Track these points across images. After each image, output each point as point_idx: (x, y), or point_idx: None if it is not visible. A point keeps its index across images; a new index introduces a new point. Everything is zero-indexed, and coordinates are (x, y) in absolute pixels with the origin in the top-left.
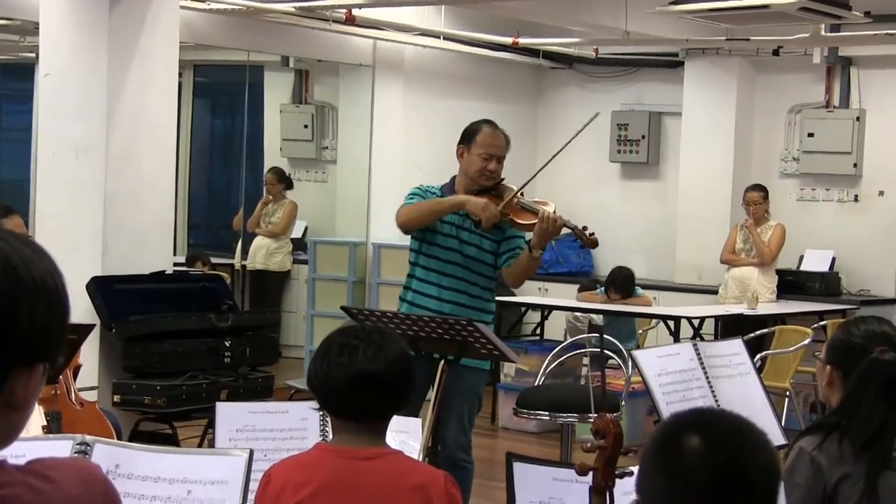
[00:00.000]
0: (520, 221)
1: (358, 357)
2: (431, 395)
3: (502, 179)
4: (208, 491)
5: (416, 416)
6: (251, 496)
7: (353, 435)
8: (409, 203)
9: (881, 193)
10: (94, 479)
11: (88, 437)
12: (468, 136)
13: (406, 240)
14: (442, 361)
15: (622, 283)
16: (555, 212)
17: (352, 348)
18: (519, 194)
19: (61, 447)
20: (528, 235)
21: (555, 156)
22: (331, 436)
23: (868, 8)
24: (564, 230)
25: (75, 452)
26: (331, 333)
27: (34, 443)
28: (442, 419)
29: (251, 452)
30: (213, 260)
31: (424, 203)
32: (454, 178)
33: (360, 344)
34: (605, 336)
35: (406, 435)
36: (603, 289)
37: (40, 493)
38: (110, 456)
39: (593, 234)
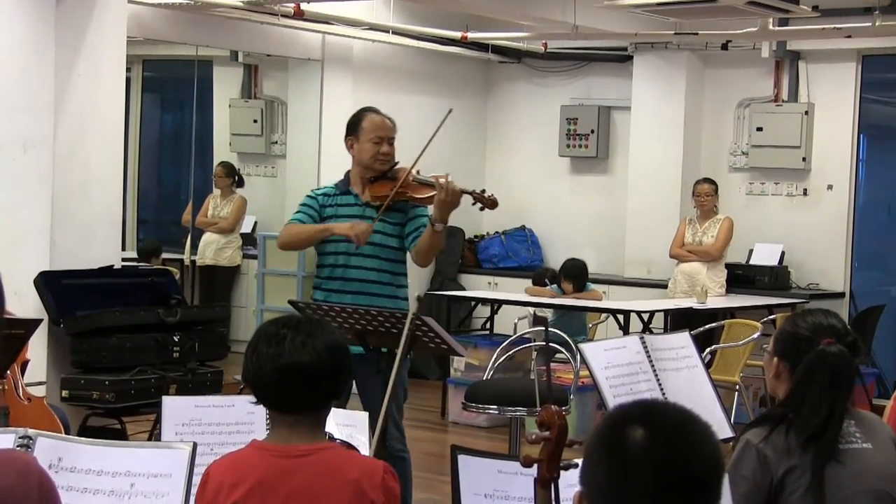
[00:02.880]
0: (419, 196)
1: (286, 347)
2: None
3: (397, 163)
4: (151, 484)
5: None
6: (195, 489)
7: (289, 428)
8: (291, 222)
9: (830, 187)
10: (28, 471)
11: (31, 431)
12: (353, 127)
13: None
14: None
15: (576, 273)
16: (451, 181)
17: (280, 338)
18: (414, 171)
19: (3, 440)
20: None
21: (430, 141)
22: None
23: (816, 2)
24: (465, 196)
25: (17, 446)
26: (261, 325)
27: None
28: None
29: (195, 445)
30: (163, 255)
31: (294, 231)
32: (347, 172)
33: (289, 333)
34: (552, 329)
35: (353, 429)
36: (555, 285)
37: None
38: (53, 449)
39: (492, 194)
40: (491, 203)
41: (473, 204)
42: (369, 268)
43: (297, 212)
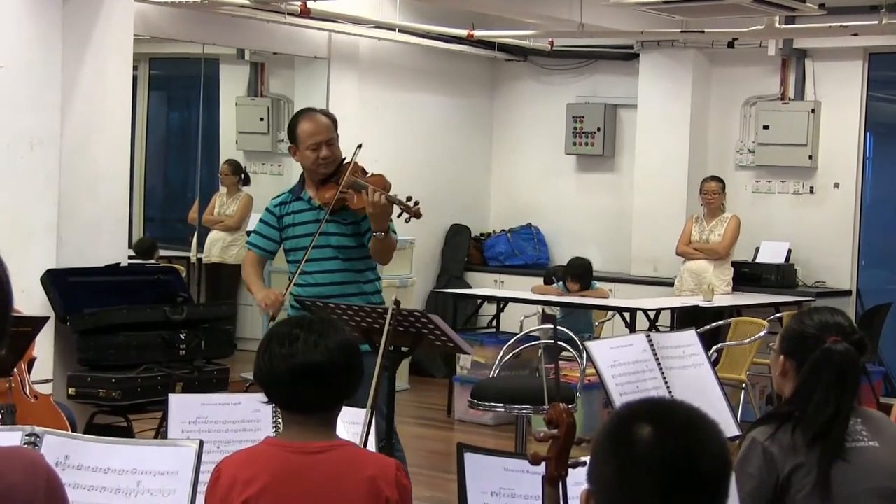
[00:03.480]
0: (353, 208)
1: (298, 347)
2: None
3: (344, 159)
4: (158, 482)
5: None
6: (202, 487)
7: (301, 427)
8: (249, 245)
9: (836, 185)
10: (36, 468)
11: (38, 429)
12: (292, 133)
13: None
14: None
15: (581, 272)
16: (385, 187)
17: (293, 339)
18: (353, 173)
19: (10, 438)
20: None
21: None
22: (282, 428)
23: (822, 0)
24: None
25: (24, 443)
26: (273, 325)
27: None
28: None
29: (201, 443)
30: (169, 253)
31: (245, 273)
32: (302, 174)
33: (301, 333)
34: (558, 327)
35: (359, 427)
36: (561, 283)
37: None
38: (60, 447)
39: (417, 203)
40: (415, 213)
41: (399, 216)
42: (332, 270)
43: (255, 232)
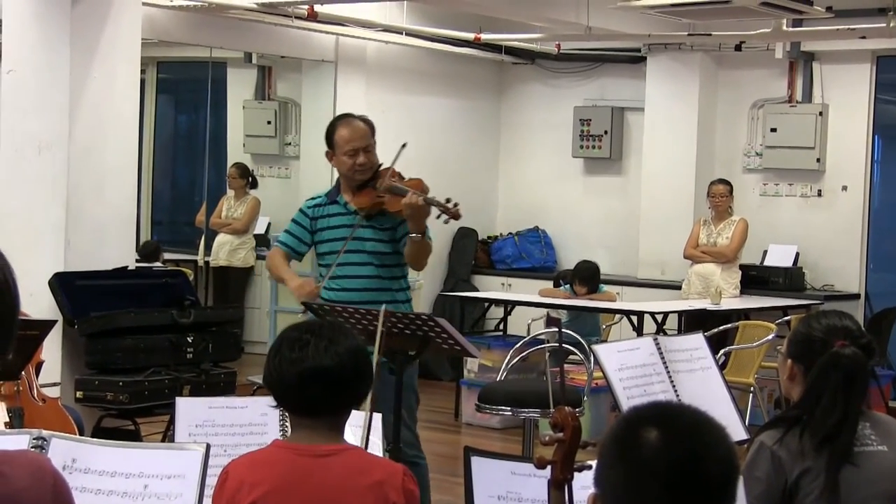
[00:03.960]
0: (391, 211)
1: (309, 352)
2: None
3: (380, 165)
4: (165, 485)
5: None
6: (208, 491)
7: (309, 431)
8: (278, 244)
9: (844, 188)
10: (43, 473)
11: (45, 432)
12: (329, 139)
13: None
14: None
15: (588, 276)
16: (423, 190)
17: (303, 343)
18: (390, 178)
19: (18, 442)
20: None
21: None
22: (290, 432)
23: (830, 3)
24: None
25: (32, 447)
26: (284, 329)
27: None
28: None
29: (208, 447)
30: (177, 256)
31: (272, 266)
32: (338, 179)
33: (312, 338)
34: (565, 331)
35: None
36: (568, 285)
37: None
38: (67, 451)
39: (457, 204)
40: (455, 214)
41: (438, 217)
42: (364, 275)
43: (286, 231)
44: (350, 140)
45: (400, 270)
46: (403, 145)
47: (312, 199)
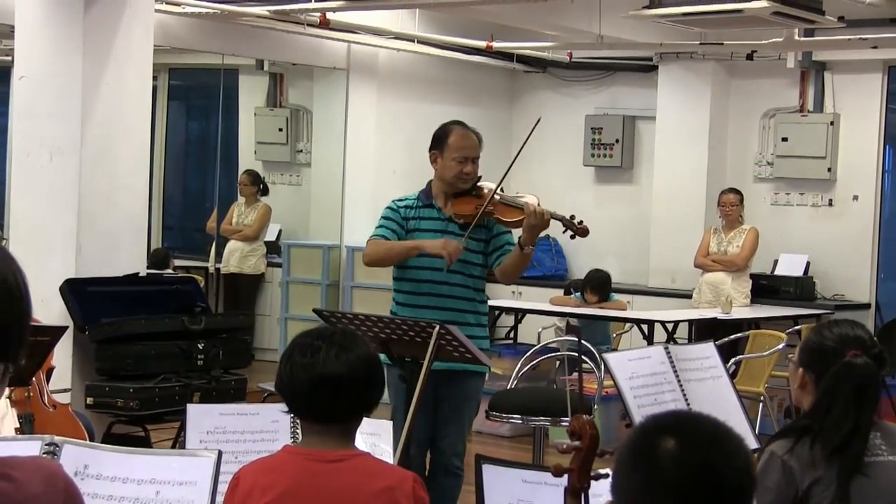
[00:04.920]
0: (506, 219)
1: (320, 358)
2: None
3: (479, 178)
4: (177, 492)
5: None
6: (220, 498)
7: (320, 437)
8: (375, 237)
9: (855, 198)
10: (55, 479)
11: (57, 438)
12: (439, 141)
13: None
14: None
15: (599, 284)
16: (539, 203)
17: (315, 349)
18: (499, 191)
19: (30, 447)
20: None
21: (519, 152)
22: (301, 438)
23: (842, 13)
24: (553, 221)
25: (43, 453)
26: (296, 336)
27: (3, 444)
28: (441, 426)
29: (220, 453)
30: (188, 262)
31: (383, 248)
32: (430, 182)
33: (323, 345)
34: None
35: (377, 437)
36: (580, 293)
37: (1, 492)
38: (79, 457)
39: (581, 221)
40: (582, 231)
41: (564, 231)
42: (454, 283)
43: (380, 226)
44: (463, 147)
45: (483, 283)
46: (539, 120)
47: (401, 199)
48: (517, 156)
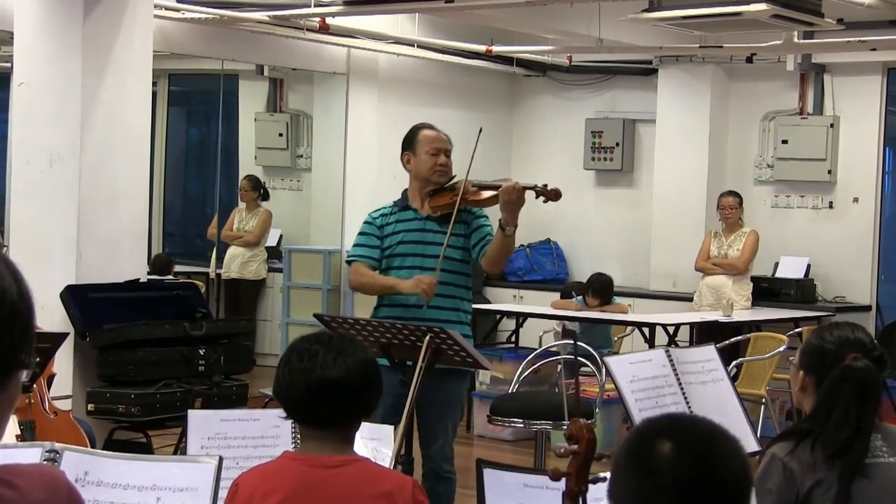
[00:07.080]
0: (482, 199)
1: (318, 363)
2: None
3: (454, 176)
4: (178, 498)
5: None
6: (221, 503)
7: (318, 443)
8: (354, 258)
9: (856, 200)
10: (57, 486)
11: (58, 445)
12: (409, 141)
13: None
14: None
15: (601, 288)
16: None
17: (312, 354)
18: (471, 180)
19: (31, 454)
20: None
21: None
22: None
23: (841, 15)
24: (528, 193)
25: (44, 460)
26: (294, 340)
27: (4, 451)
28: (428, 432)
29: (220, 459)
30: (188, 268)
31: (366, 281)
32: (405, 191)
33: (321, 350)
34: (578, 342)
35: (378, 442)
36: (581, 297)
37: (3, 499)
38: (80, 463)
39: (554, 186)
40: (554, 194)
41: (537, 197)
42: (439, 282)
43: (358, 244)
44: (434, 140)
45: (466, 280)
46: (480, 130)
47: (376, 210)
48: (469, 168)
